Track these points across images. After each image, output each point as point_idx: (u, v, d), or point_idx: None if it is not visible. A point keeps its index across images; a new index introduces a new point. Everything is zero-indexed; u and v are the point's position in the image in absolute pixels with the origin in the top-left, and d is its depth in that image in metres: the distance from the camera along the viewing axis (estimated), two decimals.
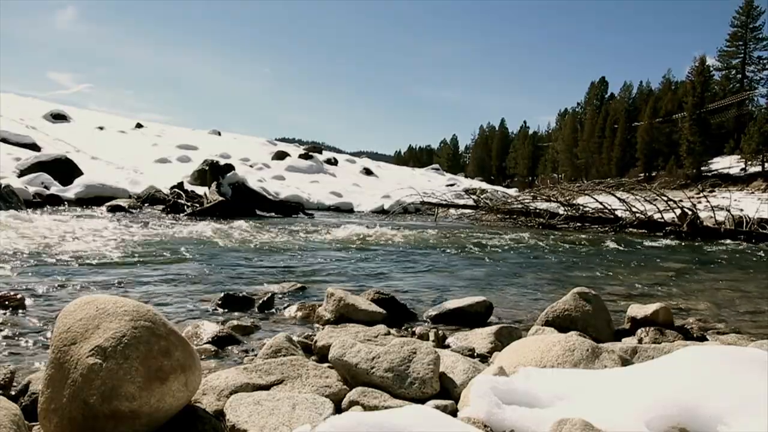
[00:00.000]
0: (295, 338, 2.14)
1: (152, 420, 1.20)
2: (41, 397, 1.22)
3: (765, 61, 52.42)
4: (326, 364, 1.77)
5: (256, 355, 2.03)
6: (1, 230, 5.41)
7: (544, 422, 1.28)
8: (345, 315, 2.60)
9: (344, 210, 19.12)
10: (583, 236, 11.26)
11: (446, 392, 1.63)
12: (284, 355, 1.88)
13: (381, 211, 19.45)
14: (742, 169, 43.48)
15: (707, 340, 2.54)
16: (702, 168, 45.32)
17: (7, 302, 2.61)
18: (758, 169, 41.11)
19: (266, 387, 1.54)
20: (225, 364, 1.93)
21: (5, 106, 26.09)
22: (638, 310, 2.71)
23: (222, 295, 2.94)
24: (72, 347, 1.21)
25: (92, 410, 1.14)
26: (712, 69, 50.69)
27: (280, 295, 3.23)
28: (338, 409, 1.46)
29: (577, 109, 70.60)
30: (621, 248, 8.67)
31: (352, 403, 1.49)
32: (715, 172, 44.77)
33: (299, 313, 2.80)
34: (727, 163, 45.98)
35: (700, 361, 1.38)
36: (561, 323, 2.42)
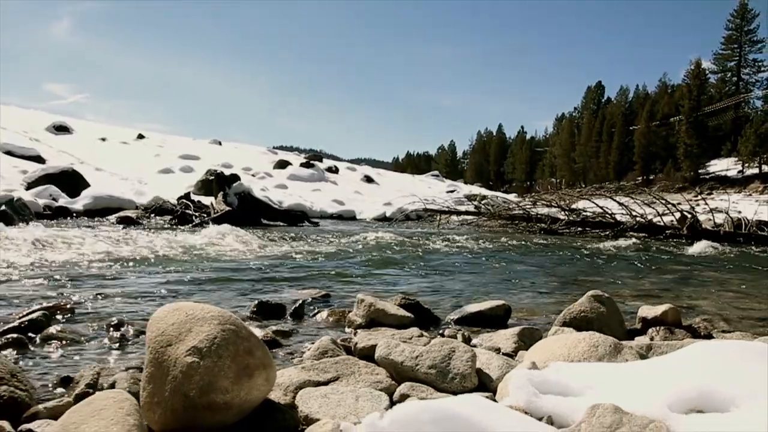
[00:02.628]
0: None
1: (241, 410, 1.38)
2: (143, 392, 1.40)
3: (760, 64, 52.81)
4: (372, 363, 1.95)
5: (301, 357, 2.21)
6: (29, 243, 5.59)
7: (577, 408, 1.46)
8: (375, 319, 2.78)
9: (347, 218, 19.31)
10: (585, 241, 11.47)
11: (483, 386, 1.81)
12: (331, 356, 2.07)
13: (383, 219, 19.65)
14: (739, 172, 43.73)
15: (714, 338, 2.72)
16: (699, 171, 45.55)
17: (59, 311, 2.79)
18: (755, 171, 41.37)
19: (325, 383, 1.72)
20: (276, 365, 2.11)
21: (8, 119, 26.30)
22: (648, 311, 2.90)
23: (256, 302, 3.12)
24: (168, 348, 1.39)
25: (192, 402, 1.32)
26: (707, 72, 51.07)
27: (308, 302, 3.41)
28: (392, 402, 1.65)
29: (574, 114, 70.95)
30: (623, 252, 8.86)
31: (403, 396, 1.67)
32: (713, 175, 45.01)
33: (330, 319, 2.99)
34: (724, 166, 46.24)
35: (713, 353, 1.57)
36: (578, 324, 2.61)
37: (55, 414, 1.55)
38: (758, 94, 51.14)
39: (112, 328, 2.62)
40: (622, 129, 55.84)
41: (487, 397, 1.70)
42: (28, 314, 2.65)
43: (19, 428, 1.45)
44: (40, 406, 1.57)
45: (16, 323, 2.51)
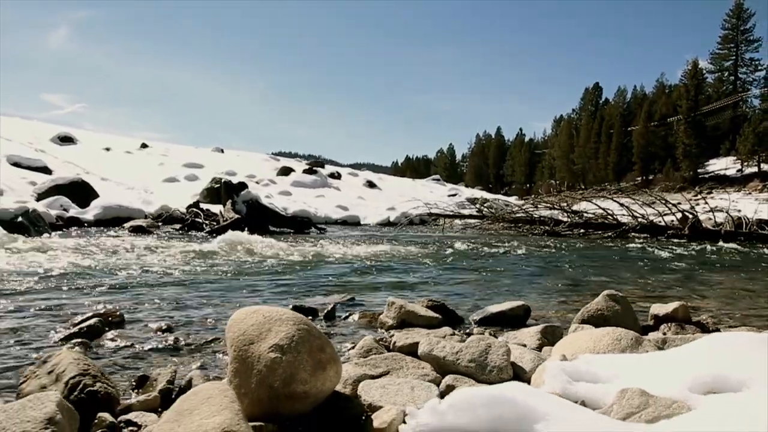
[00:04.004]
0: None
1: (316, 399, 1.59)
2: (229, 384, 1.60)
3: (757, 63, 53.17)
4: (416, 359, 2.15)
5: (344, 355, 2.41)
6: (61, 254, 5.79)
7: (607, 393, 1.67)
8: (406, 320, 2.99)
9: (351, 223, 19.51)
10: (588, 242, 11.67)
11: (518, 377, 2.02)
12: (375, 353, 2.27)
13: (387, 224, 19.86)
14: (738, 170, 44.01)
15: (721, 332, 2.93)
16: (699, 170, 45.84)
17: (110, 318, 2.99)
18: (754, 169, 41.64)
19: (377, 377, 1.92)
20: None
21: (13, 130, 26.53)
22: (660, 308, 3.11)
23: (291, 307, 3.33)
24: (251, 346, 1.60)
25: (276, 393, 1.53)
26: (704, 72, 51.43)
27: (338, 306, 3.61)
28: (440, 392, 1.85)
29: (572, 115, 71.22)
30: (627, 252, 9.07)
31: (449, 387, 1.87)
32: (712, 174, 45.28)
33: (362, 321, 3.19)
34: (723, 165, 46.52)
35: (724, 344, 1.77)
36: (595, 321, 2.81)
37: (146, 407, 1.76)
38: (756, 93, 51.50)
39: (161, 333, 2.82)
40: (620, 130, 56.13)
41: None
42: (84, 320, 2.85)
43: (119, 419, 1.66)
44: (133, 400, 1.78)
45: (75, 329, 2.72)
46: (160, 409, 1.78)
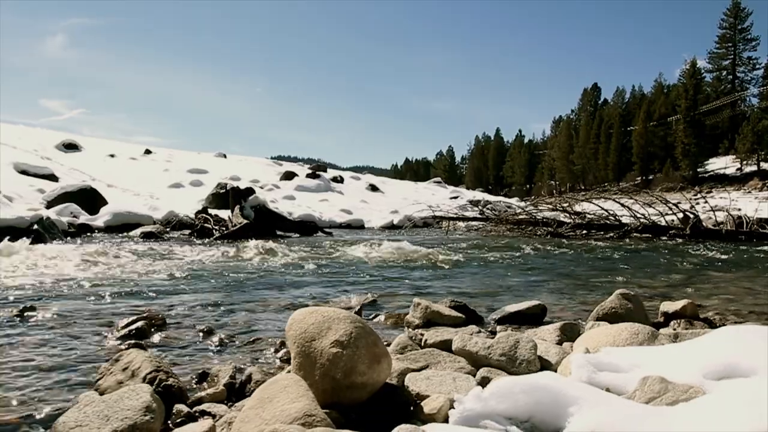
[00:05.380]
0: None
1: (372, 389, 1.78)
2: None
3: (755, 61, 53.44)
4: (451, 354, 2.35)
5: None
6: (83, 260, 5.99)
7: (630, 381, 1.86)
8: (431, 320, 3.19)
9: (355, 227, 19.68)
10: (591, 243, 11.86)
11: (545, 369, 2.21)
12: (410, 350, 2.47)
13: (391, 227, 20.04)
14: (738, 169, 44.23)
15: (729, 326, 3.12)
16: (698, 169, 46.06)
17: (153, 321, 3.18)
18: (754, 168, 41.87)
19: (419, 370, 2.12)
20: None
21: (17, 138, 26.74)
22: (669, 305, 3.31)
23: None
24: (313, 342, 1.80)
25: (338, 383, 1.73)
26: (702, 71, 51.71)
27: (363, 307, 3.81)
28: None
29: (571, 116, 71.51)
30: (630, 253, 9.27)
31: (484, 379, 2.07)
32: (712, 173, 45.49)
33: (389, 321, 3.39)
34: (722, 164, 46.73)
35: (734, 336, 1.97)
36: (610, 319, 3.01)
37: (215, 398, 1.96)
38: (754, 91, 51.78)
39: (203, 334, 3.02)
40: (619, 130, 56.38)
41: None
42: (131, 323, 3.05)
43: (194, 409, 1.85)
44: (203, 393, 1.98)
45: (125, 331, 2.92)
46: (226, 401, 1.98)
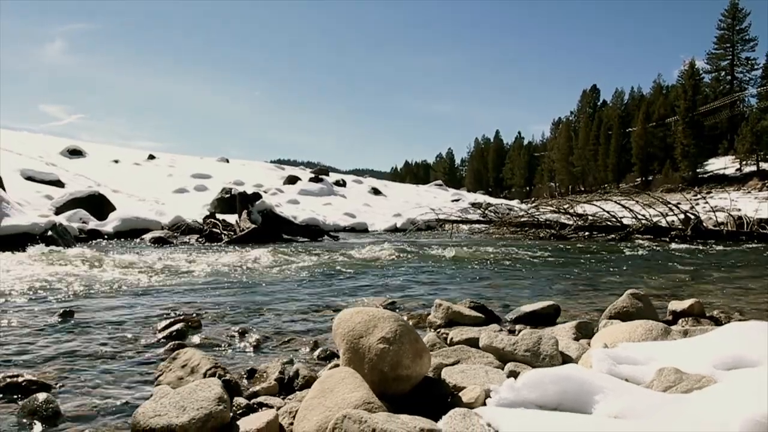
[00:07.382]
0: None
1: (415, 381, 1.97)
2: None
3: (753, 62, 53.72)
4: (479, 350, 2.54)
5: None
6: (103, 265, 6.18)
7: (646, 372, 2.05)
8: (452, 320, 3.38)
9: (359, 230, 19.90)
10: (594, 245, 12.06)
11: (566, 363, 2.40)
12: (438, 348, 2.66)
13: (395, 230, 20.27)
14: (737, 169, 44.46)
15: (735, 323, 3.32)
16: (698, 170, 46.28)
17: (189, 322, 3.37)
18: (753, 168, 42.10)
19: (452, 364, 2.31)
20: None
21: (21, 144, 26.93)
22: (677, 304, 3.51)
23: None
24: (360, 339, 1.99)
25: (385, 376, 1.91)
26: (701, 72, 52.00)
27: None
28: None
29: (570, 118, 71.76)
30: (633, 254, 9.46)
31: (512, 372, 2.26)
32: (711, 174, 45.71)
33: (411, 321, 3.58)
34: (722, 164, 46.97)
35: (740, 331, 2.16)
36: (622, 317, 3.20)
37: (269, 392, 2.15)
38: (753, 91, 52.05)
39: (240, 334, 3.21)
40: (618, 131, 56.62)
41: None
42: (170, 325, 3.23)
43: (252, 401, 2.04)
44: (258, 387, 2.17)
45: (167, 332, 3.10)
46: (278, 394, 2.17)
